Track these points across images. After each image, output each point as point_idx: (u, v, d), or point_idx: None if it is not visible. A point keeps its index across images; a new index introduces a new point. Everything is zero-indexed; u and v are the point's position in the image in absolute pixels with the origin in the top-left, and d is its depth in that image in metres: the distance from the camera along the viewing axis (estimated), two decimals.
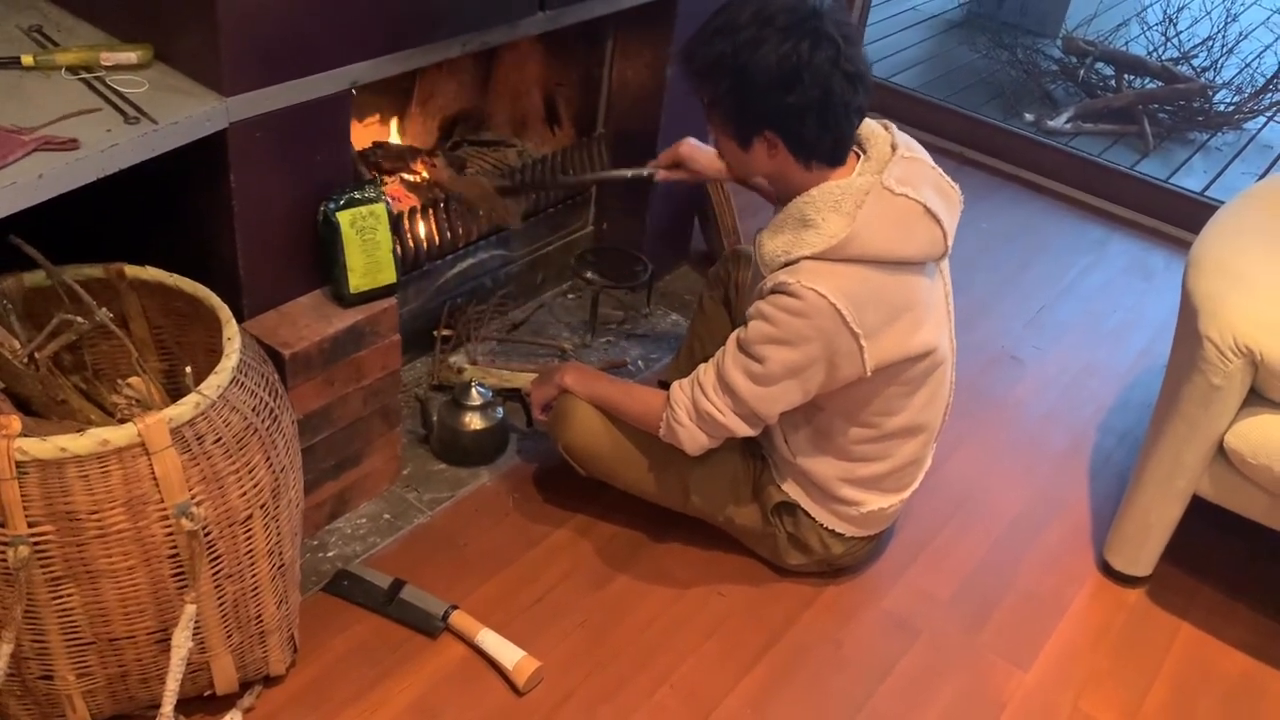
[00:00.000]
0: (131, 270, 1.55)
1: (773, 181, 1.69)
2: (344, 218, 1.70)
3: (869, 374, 1.63)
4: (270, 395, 1.45)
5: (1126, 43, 4.36)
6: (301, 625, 1.72)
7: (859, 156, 1.66)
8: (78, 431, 1.25)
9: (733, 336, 1.68)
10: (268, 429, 1.42)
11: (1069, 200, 3.36)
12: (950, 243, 1.67)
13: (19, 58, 1.50)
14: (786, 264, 1.61)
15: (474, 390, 2.05)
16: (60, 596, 1.32)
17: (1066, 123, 3.77)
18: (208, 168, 1.58)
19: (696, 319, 2.22)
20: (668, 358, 2.40)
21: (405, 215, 2.08)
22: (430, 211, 2.13)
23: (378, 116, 2.39)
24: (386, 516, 1.94)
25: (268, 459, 1.42)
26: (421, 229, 2.13)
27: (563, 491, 2.02)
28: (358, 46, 1.65)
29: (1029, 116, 3.76)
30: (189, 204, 1.67)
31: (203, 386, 1.34)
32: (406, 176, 2.29)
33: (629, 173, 2.07)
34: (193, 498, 1.33)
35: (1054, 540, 2.11)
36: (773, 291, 1.61)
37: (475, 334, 2.30)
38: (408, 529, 1.93)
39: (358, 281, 1.75)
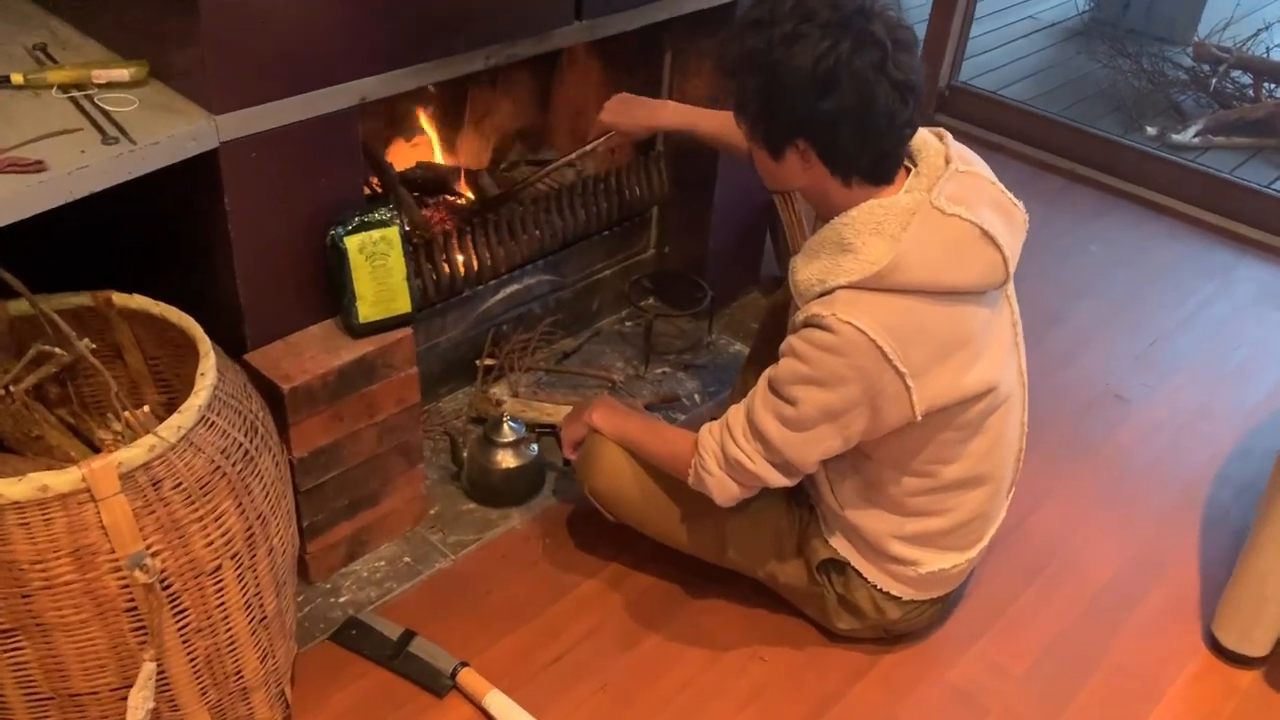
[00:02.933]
0: (120, 298, 1.47)
1: (811, 200, 1.52)
2: (352, 243, 1.60)
3: (919, 418, 1.44)
4: (247, 435, 1.35)
5: (1268, 49, 3.98)
6: (303, 676, 1.61)
7: (909, 172, 1.47)
8: (16, 476, 1.16)
9: (764, 375, 1.50)
10: (239, 473, 1.31)
11: (1193, 221, 3.04)
12: (1012, 269, 1.46)
13: (9, 76, 1.44)
14: (822, 294, 1.43)
15: (506, 426, 1.92)
16: (10, 650, 1.23)
17: (1195, 136, 3.44)
18: (203, 190, 1.50)
19: (754, 351, 2.05)
20: (726, 392, 2.23)
21: (442, 239, 1.97)
22: (472, 234, 2.01)
23: (426, 136, 2.30)
24: (406, 560, 1.83)
25: (239, 505, 1.31)
26: (463, 253, 2.01)
27: (597, 537, 1.87)
28: (366, 59, 1.54)
29: (1151, 130, 3.45)
30: (190, 228, 1.59)
31: (161, 428, 1.23)
32: (449, 198, 2.19)
33: (574, 154, 2.03)
34: (148, 548, 1.22)
35: (1154, 610, 1.85)
36: (805, 325, 1.43)
37: (519, 364, 2.17)
38: (427, 574, 1.80)
39: (367, 311, 1.64)
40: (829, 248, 1.45)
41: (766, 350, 1.97)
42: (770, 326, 1.99)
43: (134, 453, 1.20)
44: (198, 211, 1.53)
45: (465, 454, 1.94)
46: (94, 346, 1.41)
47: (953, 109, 3.47)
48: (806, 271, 1.47)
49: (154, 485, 1.22)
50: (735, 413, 1.53)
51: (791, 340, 1.45)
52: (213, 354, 1.36)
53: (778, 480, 1.52)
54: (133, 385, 1.57)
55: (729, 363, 2.34)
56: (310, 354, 1.62)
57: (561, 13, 1.77)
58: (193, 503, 1.26)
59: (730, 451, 1.51)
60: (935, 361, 1.43)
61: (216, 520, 1.28)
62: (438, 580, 1.80)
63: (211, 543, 1.29)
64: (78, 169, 1.29)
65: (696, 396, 2.25)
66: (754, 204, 2.46)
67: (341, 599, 1.75)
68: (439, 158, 2.30)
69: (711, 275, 2.40)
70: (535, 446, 1.96)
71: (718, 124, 1.85)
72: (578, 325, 2.37)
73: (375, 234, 1.61)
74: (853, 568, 1.65)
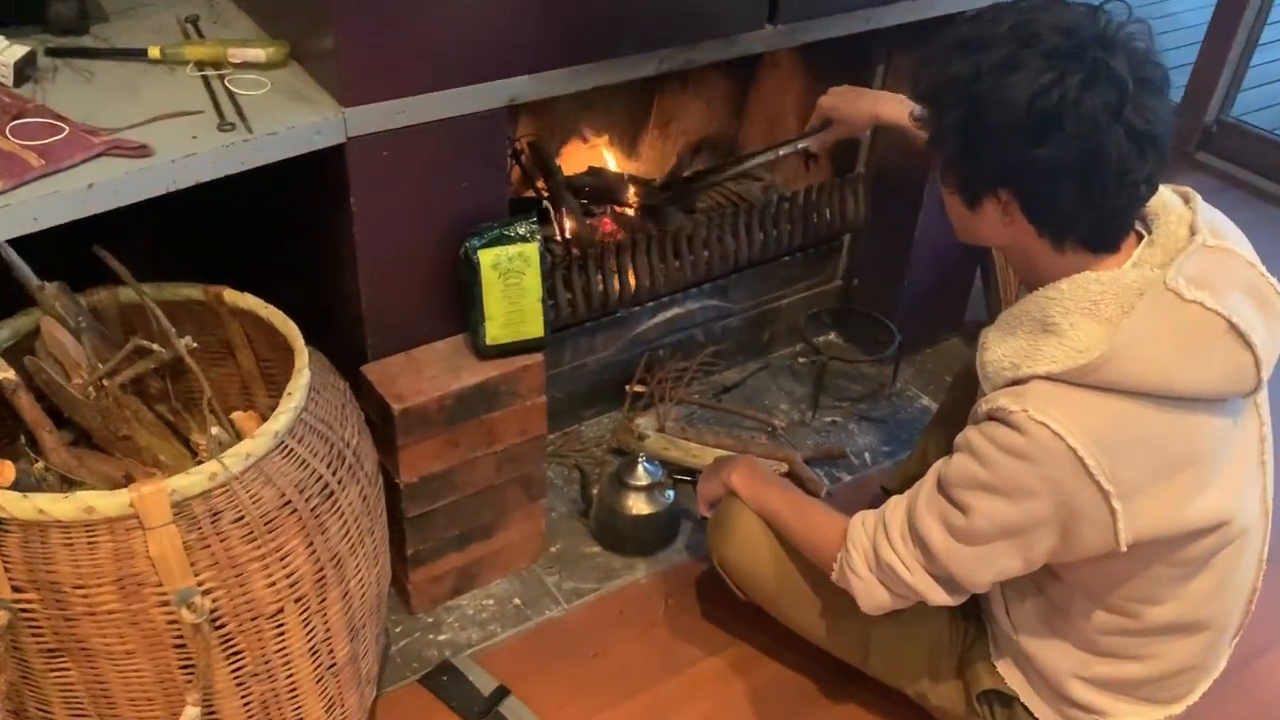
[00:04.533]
0: (231, 295, 1.36)
1: (1012, 262, 1.25)
2: (485, 257, 1.44)
3: (1123, 549, 1.15)
4: (330, 467, 1.21)
5: None
6: (384, 717, 1.48)
7: (1140, 239, 1.18)
8: (64, 492, 1.06)
9: (934, 469, 1.25)
10: (313, 510, 1.18)
11: None
12: (1266, 374, 1.14)
13: (146, 50, 1.35)
14: (1013, 382, 1.16)
15: (640, 467, 1.73)
16: (57, 670, 1.14)
17: None
18: (328, 187, 1.37)
19: (941, 412, 1.78)
20: (905, 452, 1.96)
21: (600, 251, 1.79)
22: (633, 249, 1.83)
23: (606, 138, 2.13)
24: (516, 602, 1.67)
25: (309, 545, 1.18)
26: (622, 268, 1.82)
27: (727, 608, 1.64)
28: (518, 57, 1.38)
29: None
30: (314, 227, 1.48)
31: (227, 454, 1.11)
32: (617, 207, 2.02)
33: (779, 150, 1.76)
34: (199, 585, 1.10)
35: None
36: (989, 418, 1.17)
37: (671, 394, 1.98)
38: (535, 621, 1.64)
39: (495, 332, 1.48)
40: (1028, 325, 1.18)
41: (957, 414, 1.70)
42: (964, 387, 1.71)
43: (191, 480, 1.08)
44: (322, 210, 1.42)
45: (595, 491, 1.77)
46: (194, 346, 1.31)
47: (1218, 148, 3.03)
48: (998, 350, 1.20)
49: (212, 517, 1.10)
50: (895, 507, 1.29)
51: (970, 434, 1.19)
52: (307, 371, 1.23)
53: (939, 597, 1.26)
54: (243, 385, 1.47)
55: (912, 420, 2.07)
56: (430, 373, 1.48)
57: (752, 15, 1.55)
58: (254, 539, 1.13)
59: (884, 554, 1.27)
60: (1152, 482, 1.14)
61: (281, 560, 1.15)
62: (545, 630, 1.63)
63: (274, 584, 1.15)
64: (184, 156, 1.18)
65: (868, 455, 1.99)
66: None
67: (441, 636, 1.61)
68: (616, 163, 2.13)
69: (903, 316, 2.13)
70: (671, 493, 1.76)
71: None
72: (743, 357, 2.15)
73: (512, 249, 1.45)
74: (1021, 703, 1.37)
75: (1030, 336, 1.18)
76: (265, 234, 1.63)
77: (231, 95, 1.29)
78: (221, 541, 1.11)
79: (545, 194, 1.93)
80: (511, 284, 1.46)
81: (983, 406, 1.19)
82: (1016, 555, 1.20)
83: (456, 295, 1.50)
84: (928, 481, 1.25)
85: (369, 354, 1.48)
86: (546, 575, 1.71)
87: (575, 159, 2.07)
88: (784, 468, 1.87)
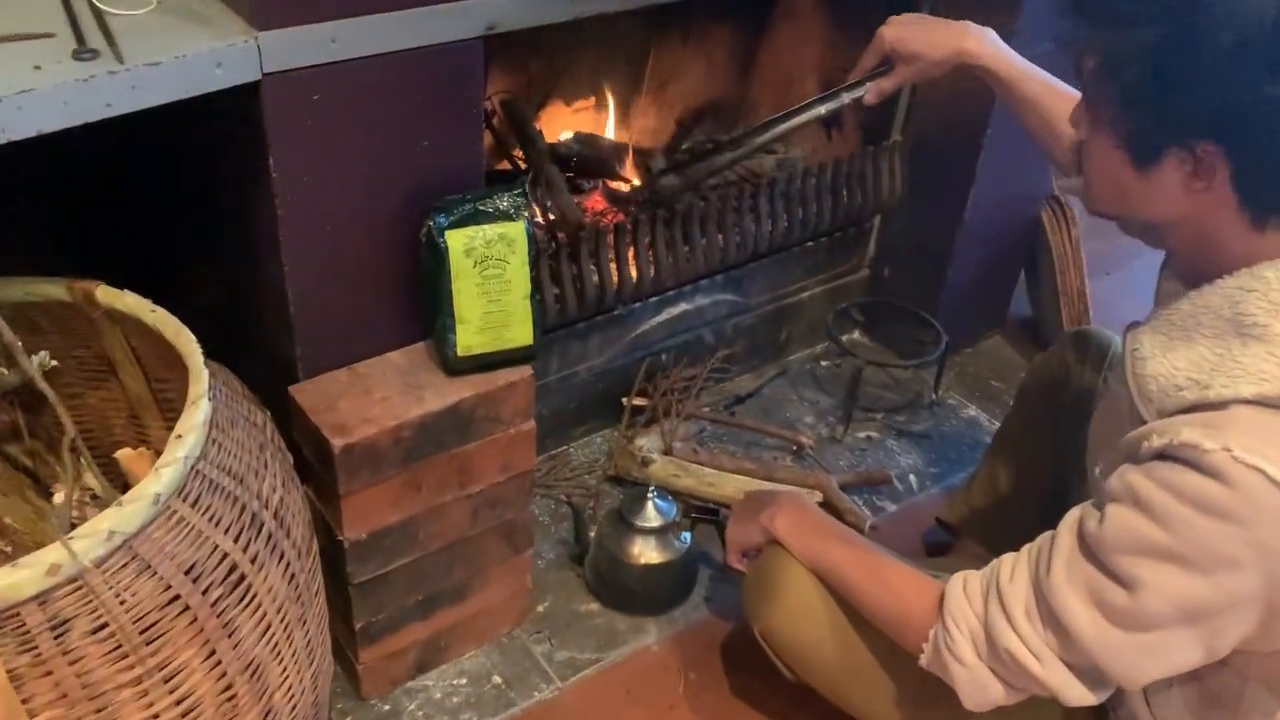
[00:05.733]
0: (106, 295, 0.99)
1: (1177, 240, 0.92)
2: (455, 240, 1.09)
3: None
4: (240, 540, 0.85)
5: None
6: None
7: None
8: None
9: (1069, 523, 0.92)
10: (214, 604, 0.82)
11: None
12: None
13: None
14: (1197, 406, 0.83)
15: (650, 505, 1.39)
16: None
17: None
18: (240, 144, 1.02)
19: (1007, 429, 1.46)
20: (957, 474, 1.64)
21: (594, 236, 1.45)
22: (633, 234, 1.49)
23: (594, 100, 1.78)
24: (496, 680, 1.32)
25: (210, 655, 0.82)
26: (619, 257, 1.48)
27: (764, 680, 1.30)
28: None
29: None
30: (223, 199, 1.12)
31: (79, 534, 0.75)
32: (610, 183, 1.67)
33: (823, 108, 1.33)
34: None
35: None
36: (1164, 457, 0.84)
37: (678, 408, 1.63)
38: (521, 707, 1.29)
39: (469, 339, 1.13)
40: (1211, 326, 0.86)
41: (1030, 436, 1.39)
42: (1037, 400, 1.39)
43: (18, 578, 0.72)
44: (235, 177, 1.06)
45: (592, 533, 1.43)
46: (54, 364, 0.95)
47: None
48: (1166, 362, 0.87)
49: (54, 631, 0.74)
50: (1014, 574, 0.95)
51: (1135, 480, 0.85)
52: (205, 403, 0.87)
53: (1076, 695, 0.93)
54: (131, 414, 1.11)
55: (958, 434, 1.75)
56: (382, 393, 1.12)
57: None
58: (124, 656, 0.77)
59: (1002, 637, 0.93)
60: None
61: (166, 682, 0.80)
62: (534, 716, 1.28)
63: (156, 716, 0.80)
64: (17, 94, 0.81)
65: (913, 478, 1.66)
66: (1014, 222, 1.85)
67: None
68: (607, 129, 1.78)
69: (944, 311, 1.81)
70: (688, 535, 1.42)
71: (1046, 92, 1.22)
72: (759, 360, 1.82)
73: (491, 230, 1.10)
74: None
75: (1218, 343, 0.85)
76: (176, 214, 1.27)
77: (98, 14, 0.93)
78: (72, 664, 0.75)
79: (523, 165, 1.58)
80: (491, 276, 1.11)
81: (1153, 440, 0.85)
82: (1197, 645, 0.87)
83: (417, 291, 1.15)
84: (1064, 541, 0.92)
85: (299, 370, 1.12)
86: (533, 644, 1.36)
87: (556, 124, 1.72)
88: (818, 497, 1.54)
